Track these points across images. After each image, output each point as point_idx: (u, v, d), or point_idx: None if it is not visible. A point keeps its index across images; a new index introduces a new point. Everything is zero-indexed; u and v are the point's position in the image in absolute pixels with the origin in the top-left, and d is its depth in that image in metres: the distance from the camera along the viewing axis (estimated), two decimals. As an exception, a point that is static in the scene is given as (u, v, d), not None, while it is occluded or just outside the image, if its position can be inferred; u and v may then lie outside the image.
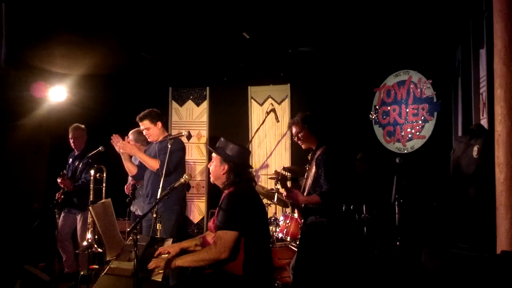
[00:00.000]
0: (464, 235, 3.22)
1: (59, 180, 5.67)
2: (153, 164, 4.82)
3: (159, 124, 4.98)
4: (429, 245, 3.98)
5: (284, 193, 4.14)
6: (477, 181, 3.38)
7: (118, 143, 4.85)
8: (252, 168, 3.66)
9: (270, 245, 5.40)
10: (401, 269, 4.74)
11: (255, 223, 3.26)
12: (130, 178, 5.61)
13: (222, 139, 3.50)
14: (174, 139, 4.78)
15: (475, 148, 3.37)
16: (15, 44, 5.31)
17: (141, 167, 5.10)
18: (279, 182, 4.29)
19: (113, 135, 4.88)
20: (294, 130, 4.29)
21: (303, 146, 4.34)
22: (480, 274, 2.75)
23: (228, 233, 3.12)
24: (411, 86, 6.28)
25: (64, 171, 5.86)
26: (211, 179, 3.53)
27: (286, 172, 4.36)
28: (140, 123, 5.02)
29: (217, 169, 3.42)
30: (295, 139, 4.34)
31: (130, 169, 5.13)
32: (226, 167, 3.37)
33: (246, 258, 3.18)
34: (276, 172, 4.35)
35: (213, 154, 3.48)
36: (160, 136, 5.01)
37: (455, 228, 3.41)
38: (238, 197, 3.27)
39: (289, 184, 4.32)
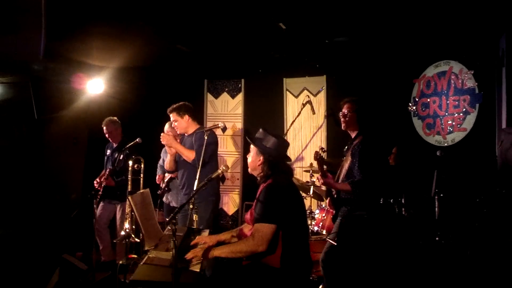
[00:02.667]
0: (512, 229, 3.11)
1: (102, 180, 5.78)
2: (189, 155, 4.86)
3: (186, 117, 5.04)
4: (470, 240, 3.86)
5: (319, 176, 4.11)
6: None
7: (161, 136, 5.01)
8: (290, 160, 3.62)
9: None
10: (440, 264, 4.62)
11: (293, 216, 3.22)
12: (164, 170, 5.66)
13: (261, 130, 3.49)
14: (209, 132, 4.80)
15: (525, 139, 3.24)
16: (54, 37, 5.38)
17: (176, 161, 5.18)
18: (317, 162, 4.26)
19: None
20: (345, 108, 4.24)
21: (342, 126, 4.28)
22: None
23: (265, 226, 3.09)
24: (452, 77, 6.09)
25: (109, 168, 5.94)
26: (249, 170, 3.54)
27: (324, 153, 4.31)
28: (169, 115, 5.13)
29: (254, 160, 3.44)
30: (341, 115, 4.27)
31: (171, 165, 5.17)
32: (261, 158, 3.38)
33: (284, 251, 3.15)
34: (316, 153, 4.30)
35: (251, 145, 3.48)
36: (188, 128, 5.08)
37: (504, 222, 3.29)
38: (276, 189, 3.24)
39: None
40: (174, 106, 5.07)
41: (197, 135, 4.95)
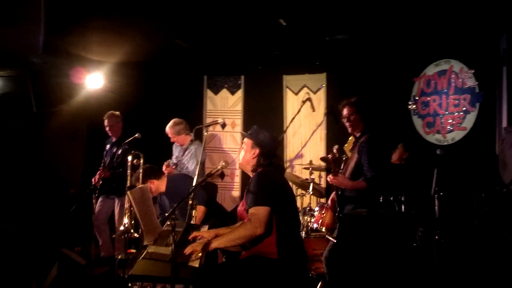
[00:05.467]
0: (513, 228, 3.11)
1: (99, 172, 5.78)
2: None
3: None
4: (470, 239, 3.86)
5: (331, 176, 4.11)
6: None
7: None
8: (281, 159, 3.69)
9: (306, 235, 5.39)
10: (440, 263, 4.62)
11: (284, 203, 3.26)
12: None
13: (255, 126, 3.57)
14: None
15: (526, 138, 3.24)
16: (53, 31, 5.36)
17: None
18: (332, 163, 4.26)
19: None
20: (346, 111, 4.24)
21: (349, 130, 4.29)
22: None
23: (260, 209, 3.12)
24: (452, 76, 6.08)
25: (106, 161, 5.96)
26: (239, 165, 3.61)
27: (337, 153, 4.28)
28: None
29: (247, 153, 3.46)
30: (344, 120, 4.27)
31: None
32: (257, 151, 3.42)
33: (278, 239, 3.17)
34: (333, 154, 4.28)
35: (245, 139, 3.53)
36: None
37: (503, 221, 3.29)
38: (266, 175, 3.30)
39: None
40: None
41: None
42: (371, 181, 3.92)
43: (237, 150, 7.53)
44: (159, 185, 4.94)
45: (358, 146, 4.11)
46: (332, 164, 4.23)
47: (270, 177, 3.29)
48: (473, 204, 4.22)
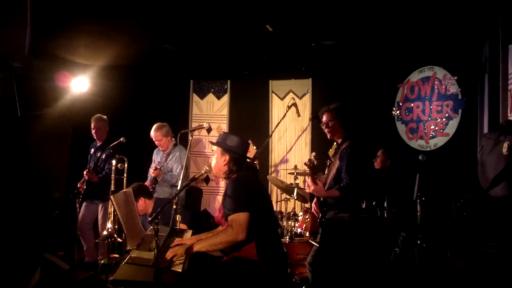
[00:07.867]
0: (491, 233, 3.15)
1: (84, 174, 5.75)
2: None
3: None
4: (451, 244, 3.90)
5: (310, 182, 4.15)
6: (506, 178, 3.29)
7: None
8: (253, 160, 3.75)
9: (290, 240, 5.42)
10: (422, 267, 4.66)
11: (261, 205, 3.31)
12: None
13: (222, 133, 3.63)
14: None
15: (505, 145, 3.27)
16: (39, 34, 5.33)
17: None
18: (309, 169, 4.28)
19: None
20: (325, 117, 4.27)
21: (328, 136, 4.32)
22: (508, 273, 2.68)
23: (241, 215, 3.16)
24: (436, 82, 6.16)
25: (90, 167, 5.92)
26: (213, 173, 3.63)
27: (315, 160, 4.32)
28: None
29: (218, 160, 3.51)
30: (323, 126, 4.31)
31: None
32: (227, 157, 3.46)
33: (257, 241, 3.22)
34: (310, 160, 4.32)
35: (213, 147, 3.58)
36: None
37: (482, 226, 3.34)
38: (242, 181, 3.34)
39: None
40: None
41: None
42: (344, 190, 3.99)
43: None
44: (148, 205, 4.89)
45: (340, 153, 4.15)
46: (310, 171, 4.26)
47: (246, 182, 3.33)
48: (454, 210, 4.27)
